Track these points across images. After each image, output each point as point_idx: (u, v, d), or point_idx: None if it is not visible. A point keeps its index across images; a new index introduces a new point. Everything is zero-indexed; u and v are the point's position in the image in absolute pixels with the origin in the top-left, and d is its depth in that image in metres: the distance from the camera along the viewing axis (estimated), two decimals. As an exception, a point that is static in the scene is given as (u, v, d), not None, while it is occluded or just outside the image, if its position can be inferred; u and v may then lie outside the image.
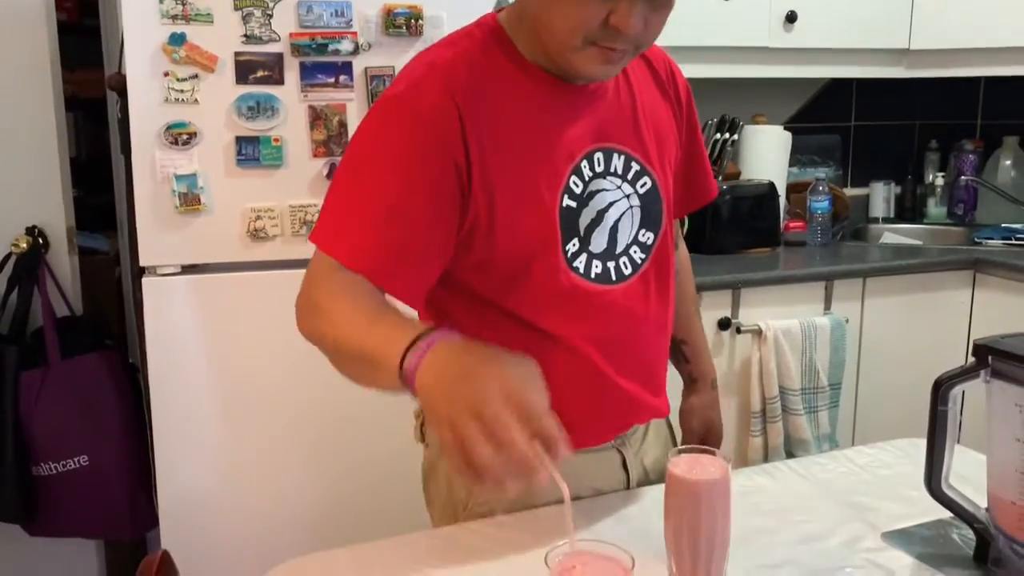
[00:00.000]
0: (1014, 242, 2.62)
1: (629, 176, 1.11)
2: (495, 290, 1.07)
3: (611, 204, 1.09)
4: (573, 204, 1.06)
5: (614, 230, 1.10)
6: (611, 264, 1.10)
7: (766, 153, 2.68)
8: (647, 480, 1.24)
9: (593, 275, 1.08)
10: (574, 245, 1.07)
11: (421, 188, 0.97)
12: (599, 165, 1.08)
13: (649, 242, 1.14)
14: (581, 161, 1.06)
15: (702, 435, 1.38)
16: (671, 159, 1.18)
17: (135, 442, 2.08)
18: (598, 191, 1.08)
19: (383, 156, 0.98)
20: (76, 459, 2.01)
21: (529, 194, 1.03)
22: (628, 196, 1.11)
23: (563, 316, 1.08)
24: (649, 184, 1.13)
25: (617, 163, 1.10)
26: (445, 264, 1.03)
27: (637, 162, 1.12)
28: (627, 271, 1.12)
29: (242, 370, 1.82)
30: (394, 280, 0.98)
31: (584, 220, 1.08)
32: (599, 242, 1.09)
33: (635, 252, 1.13)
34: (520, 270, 1.05)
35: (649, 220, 1.14)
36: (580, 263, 1.08)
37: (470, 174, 0.99)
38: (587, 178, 1.07)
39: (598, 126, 1.08)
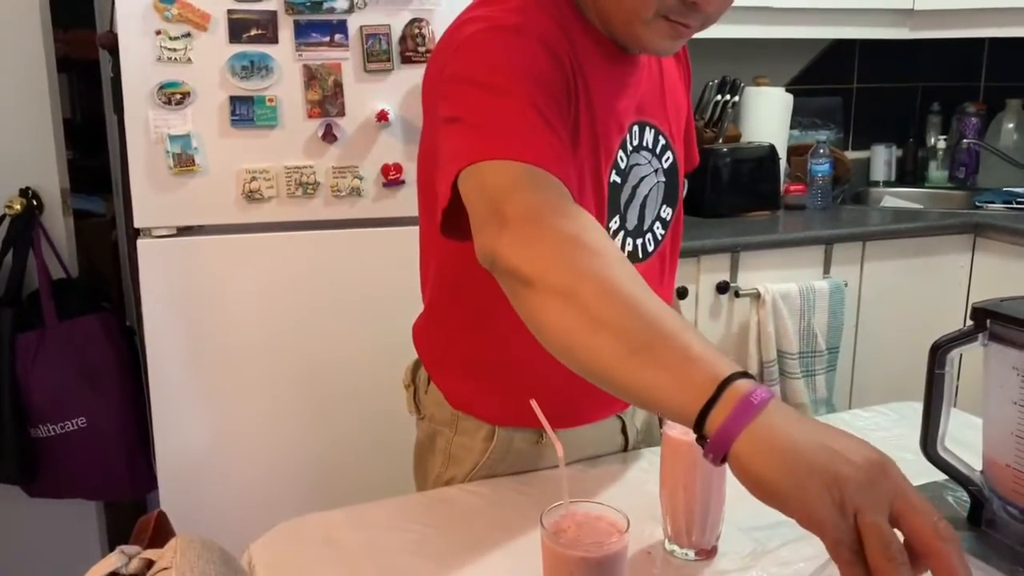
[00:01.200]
0: (1015, 206, 2.60)
1: (657, 151, 1.09)
2: None
3: (642, 179, 1.07)
4: (619, 180, 1.03)
5: (643, 206, 1.08)
6: (639, 241, 1.09)
7: (767, 115, 2.65)
8: (638, 440, 1.24)
9: (625, 253, 1.05)
10: (616, 223, 1.04)
11: (558, 95, 0.88)
12: (636, 139, 1.05)
13: (668, 218, 1.13)
14: (626, 134, 1.03)
15: None
16: (681, 129, 1.16)
17: (133, 404, 2.09)
18: (634, 165, 1.05)
19: (520, 67, 0.86)
20: (74, 421, 2.02)
21: (591, 164, 0.97)
22: (656, 172, 1.09)
23: None
24: (671, 159, 1.11)
25: (649, 137, 1.07)
26: None
27: (664, 136, 1.10)
28: (651, 248, 1.11)
29: (239, 332, 1.82)
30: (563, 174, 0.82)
31: (624, 196, 1.05)
32: (631, 219, 1.07)
33: (658, 228, 1.12)
34: None
35: (670, 195, 1.12)
36: (617, 240, 1.04)
37: (575, 101, 0.92)
38: (629, 152, 1.04)
39: (639, 99, 1.04)
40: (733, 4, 0.94)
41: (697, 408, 0.60)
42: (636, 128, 1.05)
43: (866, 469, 0.56)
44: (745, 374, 0.61)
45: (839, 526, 0.55)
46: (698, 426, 0.60)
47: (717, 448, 0.59)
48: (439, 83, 0.93)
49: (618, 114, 1.01)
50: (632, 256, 1.07)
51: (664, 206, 1.12)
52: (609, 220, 1.02)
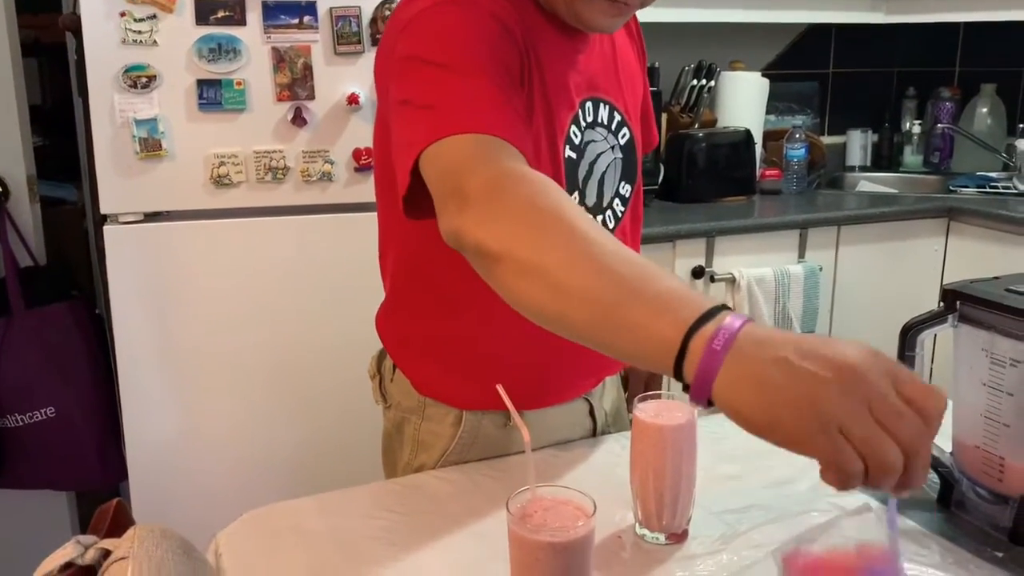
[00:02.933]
0: (988, 190, 2.62)
1: (613, 127, 1.08)
2: None
3: (599, 156, 1.07)
4: (573, 155, 1.02)
5: (601, 183, 1.08)
6: (599, 218, 1.08)
7: (743, 100, 2.65)
8: (607, 425, 1.24)
9: None
10: (575, 199, 1.03)
11: (511, 67, 0.88)
12: (589, 115, 1.05)
13: (627, 194, 1.12)
14: (578, 110, 1.03)
15: (647, 377, 1.31)
16: (638, 107, 1.16)
17: (104, 393, 2.06)
18: (590, 142, 1.05)
19: (470, 40, 0.86)
20: (43, 411, 1.99)
21: (546, 139, 0.98)
22: (612, 148, 1.08)
23: None
24: (628, 135, 1.11)
25: (603, 114, 1.07)
26: None
27: (619, 112, 1.09)
28: (611, 224, 1.10)
29: (208, 319, 1.80)
30: (518, 140, 0.82)
31: (581, 172, 1.04)
32: (591, 195, 1.06)
33: (617, 205, 1.11)
34: None
35: (628, 172, 1.12)
36: None
37: (527, 78, 0.92)
38: (582, 128, 1.03)
39: (590, 75, 1.04)
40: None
41: (671, 363, 0.60)
42: (589, 104, 1.04)
43: (838, 381, 0.55)
44: (711, 313, 0.60)
45: (826, 447, 0.55)
46: (678, 376, 0.61)
47: (699, 395, 0.59)
48: (390, 63, 0.92)
49: (569, 89, 1.00)
50: None
51: (623, 183, 1.11)
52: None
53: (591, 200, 1.07)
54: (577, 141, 1.02)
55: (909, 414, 0.56)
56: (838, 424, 0.55)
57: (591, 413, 1.20)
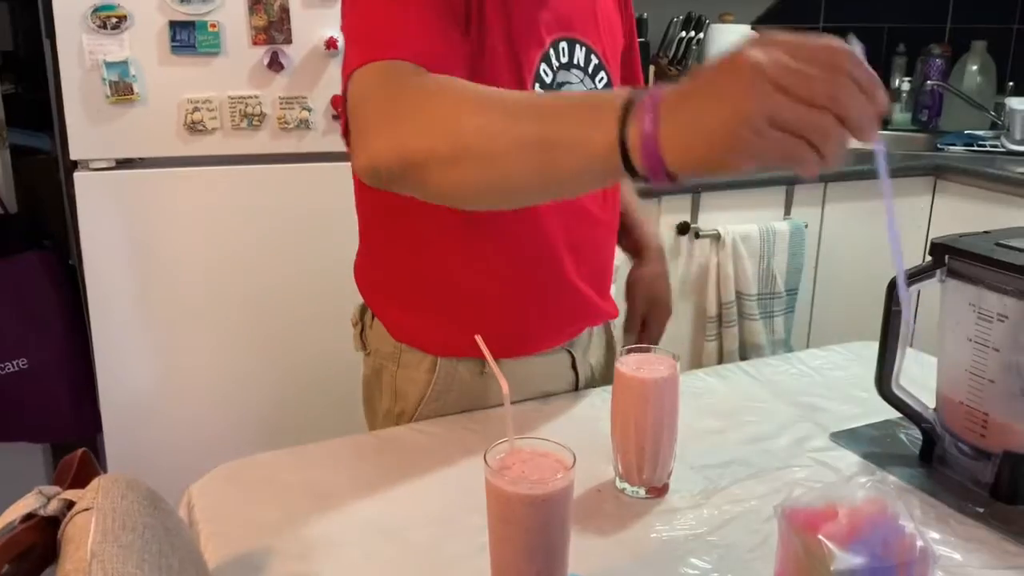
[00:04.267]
0: (976, 149, 2.60)
1: (590, 70, 1.06)
2: None
3: None
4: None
5: None
6: None
7: (732, 53, 2.61)
8: (593, 380, 1.22)
9: None
10: None
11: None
12: (564, 55, 1.02)
13: None
14: (549, 49, 1.00)
15: (646, 309, 1.28)
16: (618, 55, 1.13)
17: (76, 344, 2.02)
18: (564, 83, 1.03)
19: None
20: (15, 362, 1.96)
21: (510, 75, 0.95)
22: (590, 91, 1.05)
23: (533, 212, 1.03)
24: (605, 79, 1.08)
25: (579, 55, 1.04)
26: None
27: (596, 55, 1.06)
28: None
29: (181, 270, 1.76)
30: (443, 60, 0.81)
31: None
32: None
33: None
34: None
35: None
36: None
37: (474, 20, 0.90)
38: (555, 68, 1.01)
39: (564, 14, 1.02)
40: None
41: (619, 161, 0.62)
42: (564, 44, 1.02)
43: (753, 87, 0.56)
44: (628, 103, 0.62)
45: (770, 148, 0.57)
46: (630, 169, 0.62)
47: (657, 174, 0.61)
48: None
49: (538, 26, 0.97)
50: None
51: None
52: None
53: None
54: (548, 80, 1.00)
55: (819, 75, 0.57)
56: (768, 122, 0.56)
57: (573, 366, 1.18)
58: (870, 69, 0.60)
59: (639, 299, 1.27)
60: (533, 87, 0.98)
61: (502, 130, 0.68)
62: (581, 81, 1.05)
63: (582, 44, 1.04)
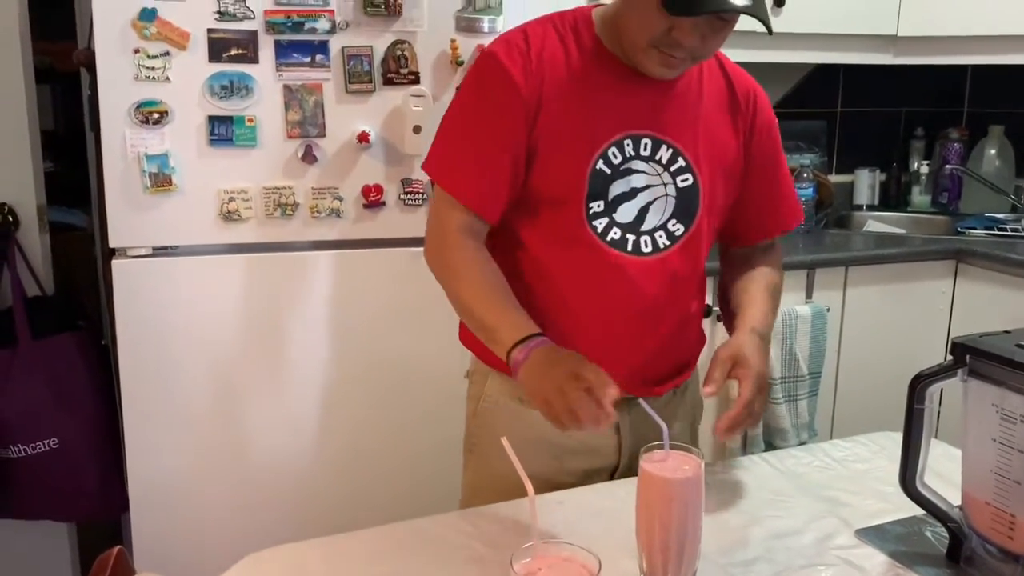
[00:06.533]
0: (997, 232, 2.61)
1: (672, 168, 1.22)
2: (529, 234, 1.23)
3: (647, 187, 1.21)
4: (607, 171, 1.19)
5: (644, 210, 1.21)
6: (631, 236, 1.21)
7: (751, 139, 2.65)
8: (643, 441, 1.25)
9: (609, 239, 1.20)
10: (599, 206, 1.19)
11: (506, 132, 1.18)
12: (645, 149, 1.21)
13: (678, 233, 1.23)
14: (625, 139, 1.20)
15: (729, 367, 1.21)
16: (725, 169, 1.26)
17: (107, 425, 2.05)
18: (636, 171, 1.20)
19: (475, 105, 1.21)
20: (46, 442, 1.98)
21: (568, 148, 1.18)
22: (666, 185, 1.22)
23: (577, 268, 1.21)
24: (691, 181, 1.23)
25: (664, 153, 1.21)
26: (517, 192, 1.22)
27: (684, 158, 1.22)
28: (646, 249, 1.22)
29: (213, 354, 1.79)
30: (489, 212, 1.20)
31: (615, 189, 1.20)
32: (626, 214, 1.21)
33: (660, 236, 1.22)
34: (547, 215, 1.20)
35: (683, 213, 1.23)
36: (600, 224, 1.20)
37: (536, 119, 1.17)
38: (628, 155, 1.20)
39: (655, 117, 1.21)
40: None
41: (508, 362, 1.13)
42: (648, 141, 1.21)
43: (550, 380, 1.06)
44: (521, 341, 1.11)
45: (544, 409, 1.07)
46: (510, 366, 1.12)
47: (515, 378, 1.12)
48: None
49: (616, 120, 1.20)
50: (618, 244, 1.21)
51: (673, 220, 1.23)
52: (591, 200, 1.19)
53: (626, 218, 1.21)
54: (616, 161, 1.20)
55: (575, 392, 1.04)
56: (548, 398, 1.06)
57: (618, 430, 1.29)
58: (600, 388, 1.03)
59: (721, 354, 1.22)
60: (595, 161, 1.19)
61: (466, 304, 1.20)
62: (659, 174, 1.21)
63: (669, 145, 1.21)
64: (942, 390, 1.00)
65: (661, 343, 1.27)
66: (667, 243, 1.23)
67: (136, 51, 1.65)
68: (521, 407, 1.26)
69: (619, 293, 1.22)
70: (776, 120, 1.34)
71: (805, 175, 2.65)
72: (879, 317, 2.43)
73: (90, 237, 2.71)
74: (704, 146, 1.24)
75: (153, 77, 1.66)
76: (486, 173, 1.19)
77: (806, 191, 2.65)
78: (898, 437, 1.04)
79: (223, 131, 1.71)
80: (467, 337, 1.32)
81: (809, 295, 2.33)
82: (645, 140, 1.21)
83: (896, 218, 2.94)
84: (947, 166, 2.97)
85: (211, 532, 1.82)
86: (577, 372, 1.04)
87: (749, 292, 1.33)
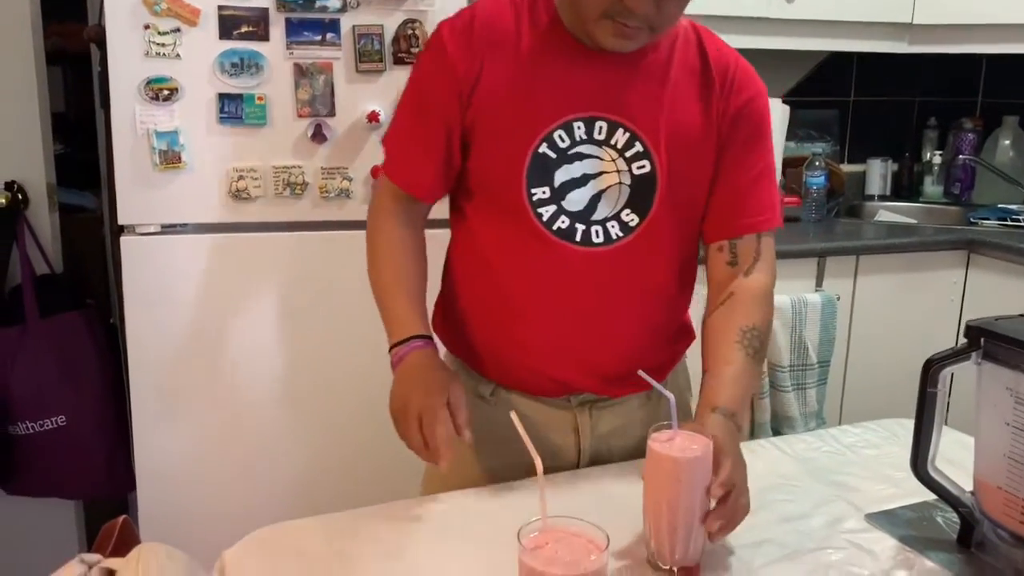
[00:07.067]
0: (1009, 223, 2.59)
1: (628, 154, 1.12)
2: (476, 219, 1.17)
3: (601, 173, 1.12)
4: (552, 155, 1.11)
5: (596, 198, 1.13)
6: (580, 226, 1.13)
7: (763, 126, 2.63)
8: (606, 453, 1.24)
9: (555, 228, 1.12)
10: (544, 193, 1.11)
11: (435, 109, 1.13)
12: (599, 133, 1.11)
13: (633, 223, 1.13)
14: (575, 121, 1.10)
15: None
16: (692, 160, 1.14)
17: (114, 403, 2.05)
18: (588, 156, 1.11)
19: (412, 81, 1.18)
20: (54, 419, 1.99)
21: (507, 129, 1.11)
22: (620, 172, 1.12)
23: (521, 257, 1.14)
24: (647, 168, 1.12)
25: (620, 137, 1.12)
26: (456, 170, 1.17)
27: (642, 143, 1.12)
28: (597, 239, 1.13)
29: (221, 333, 1.79)
30: (418, 189, 1.18)
31: (562, 175, 1.11)
32: (575, 201, 1.12)
33: (613, 226, 1.13)
34: (489, 200, 1.15)
35: (637, 203, 1.13)
36: (546, 212, 1.12)
37: (471, 97, 1.11)
38: (579, 139, 1.11)
39: (614, 98, 1.11)
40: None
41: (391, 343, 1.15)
42: (603, 124, 1.11)
43: (403, 399, 1.08)
44: (403, 340, 1.13)
45: (400, 428, 1.08)
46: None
47: (392, 367, 1.13)
48: None
49: (567, 100, 1.11)
50: (566, 234, 1.13)
51: (627, 210, 1.13)
52: (532, 186, 1.11)
53: (575, 206, 1.12)
54: (563, 145, 1.11)
55: (416, 419, 1.05)
56: (397, 412, 1.09)
57: (576, 430, 1.22)
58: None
59: None
60: (537, 144, 1.11)
61: (374, 293, 1.20)
62: (613, 160, 1.12)
63: (627, 129, 1.11)
64: (952, 375, 0.99)
65: (619, 341, 1.18)
66: (620, 234, 1.13)
67: (147, 27, 1.64)
68: (482, 403, 1.20)
69: (565, 283, 1.14)
70: (766, 105, 1.20)
71: (817, 164, 2.63)
72: (889, 307, 2.41)
73: (99, 219, 2.71)
74: (667, 130, 1.12)
75: (163, 54, 1.65)
76: (412, 150, 1.16)
77: (818, 180, 2.63)
78: (908, 424, 1.04)
79: (233, 109, 1.70)
80: (436, 326, 1.26)
81: (819, 283, 2.32)
82: (600, 123, 1.11)
83: (908, 208, 2.92)
84: (960, 156, 2.94)
85: (216, 510, 1.82)
86: (432, 402, 1.04)
87: (727, 350, 1.13)
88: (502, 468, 1.15)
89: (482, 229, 1.17)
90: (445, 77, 1.11)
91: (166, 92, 1.67)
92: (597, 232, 1.13)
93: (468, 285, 1.22)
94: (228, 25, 1.68)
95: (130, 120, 1.67)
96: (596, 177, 1.12)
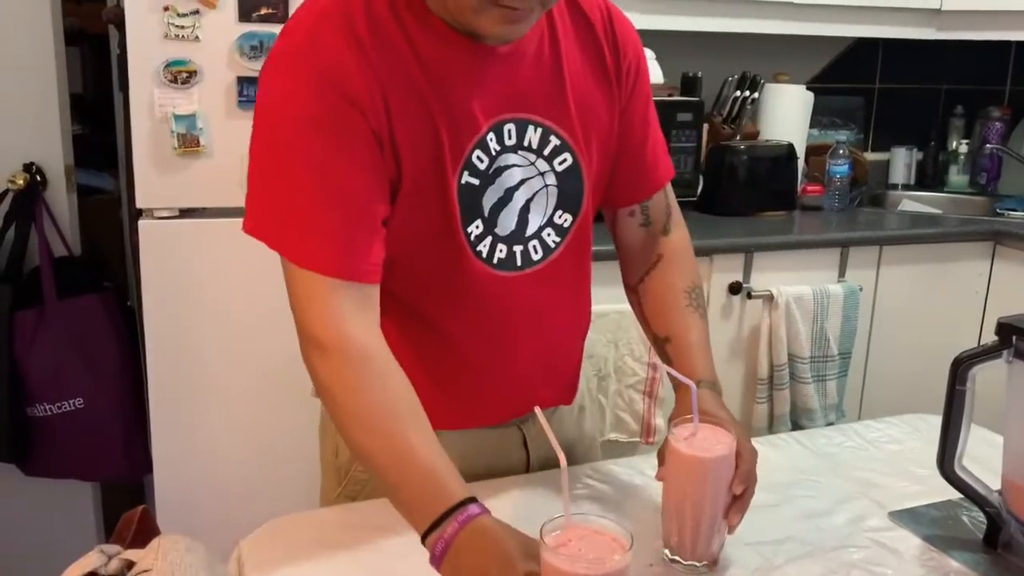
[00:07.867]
0: (1037, 214, 2.55)
1: (546, 152, 1.00)
2: (406, 287, 0.99)
3: (522, 182, 0.99)
4: (475, 182, 0.96)
5: (525, 210, 1.00)
6: (518, 248, 1.01)
7: (787, 113, 2.60)
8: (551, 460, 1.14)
9: (496, 260, 0.99)
10: (477, 227, 0.97)
11: (347, 163, 0.88)
12: (510, 138, 0.97)
13: (567, 224, 1.04)
14: (487, 134, 0.95)
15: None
16: (601, 134, 1.04)
17: (131, 386, 2.06)
18: (506, 167, 0.97)
19: (298, 130, 0.87)
20: (71, 401, 2.00)
21: (429, 168, 0.92)
22: (544, 174, 1.00)
23: (461, 306, 1.00)
24: (570, 161, 1.01)
25: (533, 136, 0.98)
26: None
27: (557, 136, 1.00)
28: (536, 256, 1.02)
29: (239, 317, 1.79)
30: (364, 274, 0.90)
31: (489, 199, 0.97)
32: (506, 224, 0.99)
33: (549, 235, 1.03)
34: (423, 257, 0.97)
35: (567, 201, 1.03)
36: (484, 247, 0.98)
37: (386, 140, 0.90)
38: (494, 152, 0.96)
39: (513, 93, 0.96)
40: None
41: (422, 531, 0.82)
42: (511, 126, 0.97)
43: None
44: (436, 522, 0.81)
45: None
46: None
47: (433, 563, 0.81)
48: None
49: (472, 111, 0.94)
50: (506, 263, 1.00)
51: (559, 212, 1.03)
52: (467, 224, 0.96)
53: (506, 229, 0.99)
54: (482, 167, 0.96)
55: None
56: None
57: (524, 444, 1.14)
58: None
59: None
60: (460, 176, 0.94)
61: (382, 466, 0.87)
62: (533, 164, 0.99)
63: (537, 124, 0.98)
64: (977, 375, 0.97)
65: (573, 340, 1.14)
66: (557, 240, 1.03)
67: (166, 9, 1.63)
68: None
69: (518, 320, 1.03)
70: (640, 41, 1.08)
71: (841, 152, 2.60)
72: (913, 298, 2.38)
73: (117, 201, 2.71)
74: (577, 112, 1.00)
75: (182, 36, 1.64)
76: (327, 219, 0.88)
77: (841, 168, 2.59)
78: (932, 419, 1.02)
79: (252, 92, 1.69)
80: None
81: (842, 274, 2.29)
82: (508, 126, 0.96)
83: (932, 198, 2.88)
84: (987, 145, 2.90)
85: (233, 496, 1.82)
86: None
87: (682, 314, 1.09)
88: None
89: (416, 296, 1.00)
90: (357, 118, 0.87)
91: (185, 75, 1.66)
92: (535, 248, 1.02)
93: (411, 359, 0.95)
94: (247, 7, 1.66)
95: (148, 104, 1.67)
96: (519, 188, 0.99)
